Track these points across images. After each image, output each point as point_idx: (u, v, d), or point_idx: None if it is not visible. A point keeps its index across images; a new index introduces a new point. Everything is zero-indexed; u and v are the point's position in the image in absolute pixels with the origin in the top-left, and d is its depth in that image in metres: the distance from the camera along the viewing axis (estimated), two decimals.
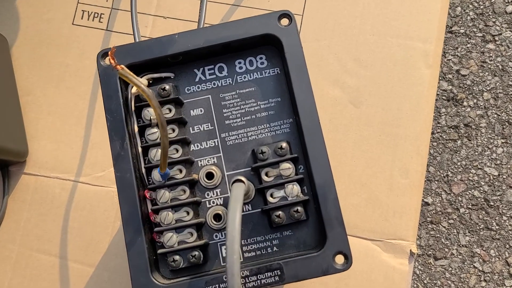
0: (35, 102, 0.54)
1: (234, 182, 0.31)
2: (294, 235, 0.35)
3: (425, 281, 0.53)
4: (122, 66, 0.29)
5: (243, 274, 0.32)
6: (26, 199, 0.52)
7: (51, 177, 0.52)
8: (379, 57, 0.52)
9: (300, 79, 0.35)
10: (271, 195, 0.34)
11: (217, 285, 0.32)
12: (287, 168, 0.34)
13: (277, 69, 0.37)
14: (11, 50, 0.55)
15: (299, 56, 0.35)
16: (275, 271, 0.32)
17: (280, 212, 0.34)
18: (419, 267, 0.55)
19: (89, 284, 0.50)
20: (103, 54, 0.35)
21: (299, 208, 0.34)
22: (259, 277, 0.32)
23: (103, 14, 0.55)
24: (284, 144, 0.34)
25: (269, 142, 0.36)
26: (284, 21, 0.35)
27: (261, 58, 0.37)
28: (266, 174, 0.34)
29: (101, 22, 0.55)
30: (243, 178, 0.32)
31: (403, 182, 0.50)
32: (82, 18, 0.55)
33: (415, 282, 0.53)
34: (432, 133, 0.58)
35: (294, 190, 0.34)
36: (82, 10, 0.55)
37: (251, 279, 0.32)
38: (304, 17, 0.53)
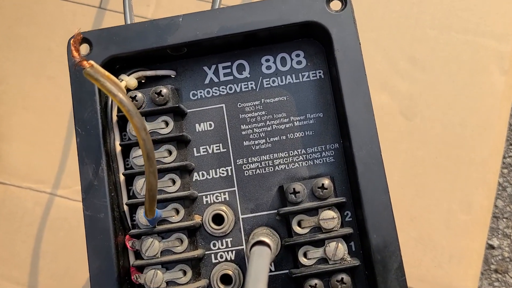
0: (8, 92, 0.44)
1: (254, 244, 0.21)
2: None
3: None
4: (92, 62, 0.19)
5: None
6: None
7: (22, 187, 0.43)
8: (440, 56, 0.41)
9: (356, 88, 0.24)
10: (305, 255, 0.24)
11: None
12: (330, 218, 0.23)
13: (319, 72, 0.26)
14: None
15: (356, 55, 0.24)
16: None
17: (316, 281, 0.23)
18: None
19: None
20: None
21: (344, 277, 0.23)
22: None
23: None
24: (326, 182, 0.24)
25: (304, 176, 0.25)
26: (335, 5, 0.25)
27: (298, 56, 0.26)
28: (299, 224, 0.24)
29: None
30: (267, 240, 0.21)
31: (464, 219, 0.39)
32: None
33: None
34: (503, 157, 0.47)
35: (339, 250, 0.23)
36: None
37: None
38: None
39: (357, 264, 0.23)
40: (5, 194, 0.43)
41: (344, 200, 0.24)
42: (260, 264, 0.19)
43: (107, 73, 0.19)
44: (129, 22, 0.31)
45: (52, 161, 0.43)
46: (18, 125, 0.43)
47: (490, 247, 0.46)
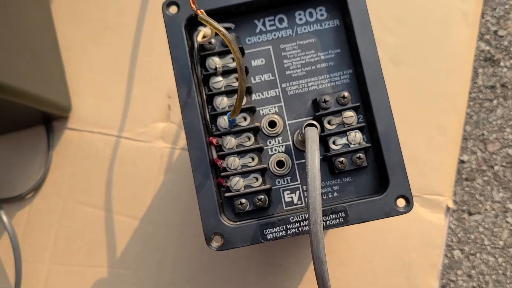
0: (75, 57, 0.54)
1: (307, 125, 0.32)
2: (353, 181, 0.36)
3: (459, 235, 0.55)
4: (202, 11, 0.30)
5: (307, 217, 0.34)
6: (70, 154, 0.53)
7: (94, 132, 0.53)
8: (419, 16, 0.53)
9: (364, 31, 0.35)
10: (334, 143, 0.35)
11: (284, 226, 0.34)
12: (350, 116, 0.35)
13: (336, 21, 0.37)
14: (50, 5, 0.55)
15: (363, 7, 0.35)
16: (340, 213, 0.34)
17: (343, 158, 0.35)
18: (454, 221, 0.57)
19: (134, 236, 0.52)
20: (169, 3, 0.36)
21: (361, 154, 0.35)
22: (325, 219, 0.34)
23: None
24: (346, 93, 0.35)
25: (329, 92, 0.37)
26: None
27: (320, 10, 0.38)
28: (329, 122, 0.35)
29: None
30: (315, 122, 0.33)
31: (440, 140, 0.51)
32: None
33: (450, 236, 0.55)
34: (469, 93, 0.59)
35: (356, 137, 0.35)
36: None
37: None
38: None
39: (369, 145, 0.35)
40: (80, 138, 0.53)
41: (359, 104, 0.35)
42: (314, 133, 0.30)
43: (210, 18, 0.30)
44: None
45: (116, 110, 0.53)
46: (86, 83, 0.54)
47: (461, 161, 0.58)
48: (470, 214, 0.56)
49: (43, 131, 0.53)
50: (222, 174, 0.35)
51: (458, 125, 0.52)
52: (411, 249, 0.50)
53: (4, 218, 0.49)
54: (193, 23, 0.37)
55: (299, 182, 0.36)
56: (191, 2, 0.29)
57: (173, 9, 0.36)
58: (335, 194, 0.36)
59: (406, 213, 0.34)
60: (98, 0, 0.55)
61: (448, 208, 0.50)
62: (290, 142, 0.37)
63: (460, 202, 0.58)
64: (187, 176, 0.52)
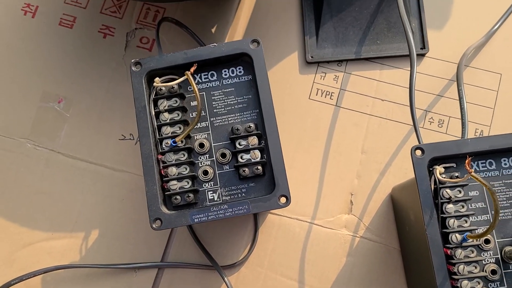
0: None
1: None
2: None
3: None
4: (472, 170, 0.40)
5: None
6: (271, 233, 0.65)
7: (292, 218, 0.66)
8: None
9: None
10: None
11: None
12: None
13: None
14: None
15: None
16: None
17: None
18: None
19: None
20: (417, 149, 0.47)
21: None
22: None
23: (333, 93, 0.69)
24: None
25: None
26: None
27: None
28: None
29: (332, 99, 0.69)
30: None
31: None
32: (316, 95, 0.69)
33: None
34: None
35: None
36: (317, 88, 0.69)
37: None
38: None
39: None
40: (280, 222, 0.66)
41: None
42: None
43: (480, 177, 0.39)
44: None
45: (310, 202, 0.65)
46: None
47: None
48: None
49: (251, 215, 0.65)
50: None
51: None
52: None
53: (228, 283, 0.62)
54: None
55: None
56: (466, 164, 0.39)
57: (418, 152, 0.47)
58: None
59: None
60: (297, 114, 0.69)
61: None
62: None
63: None
64: (364, 261, 0.64)
